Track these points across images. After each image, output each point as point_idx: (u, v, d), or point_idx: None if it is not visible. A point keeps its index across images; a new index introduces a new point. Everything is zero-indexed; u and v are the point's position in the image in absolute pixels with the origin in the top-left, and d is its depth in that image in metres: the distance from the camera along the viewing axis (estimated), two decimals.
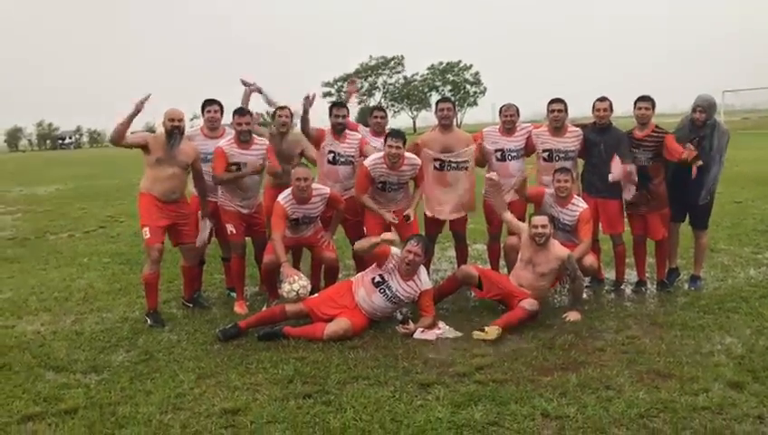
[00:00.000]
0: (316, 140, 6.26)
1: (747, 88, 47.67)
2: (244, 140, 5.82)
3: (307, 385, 4.20)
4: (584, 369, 4.31)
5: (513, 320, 5.11)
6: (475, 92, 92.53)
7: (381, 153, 5.86)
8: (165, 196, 5.63)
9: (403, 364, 4.50)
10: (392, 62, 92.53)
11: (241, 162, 5.83)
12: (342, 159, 6.23)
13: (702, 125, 5.80)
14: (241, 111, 5.91)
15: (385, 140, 5.82)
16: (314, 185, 5.73)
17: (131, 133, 5.63)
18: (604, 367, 4.33)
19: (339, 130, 6.25)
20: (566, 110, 6.11)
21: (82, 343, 5.16)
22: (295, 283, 5.30)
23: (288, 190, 5.69)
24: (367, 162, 5.87)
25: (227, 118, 6.24)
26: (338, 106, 6.34)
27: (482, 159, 6.35)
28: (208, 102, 6.21)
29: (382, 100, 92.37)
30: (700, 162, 5.66)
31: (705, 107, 5.80)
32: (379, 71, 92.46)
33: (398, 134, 5.77)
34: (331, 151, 6.24)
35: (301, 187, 5.58)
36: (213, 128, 6.23)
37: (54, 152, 70.36)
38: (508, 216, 5.88)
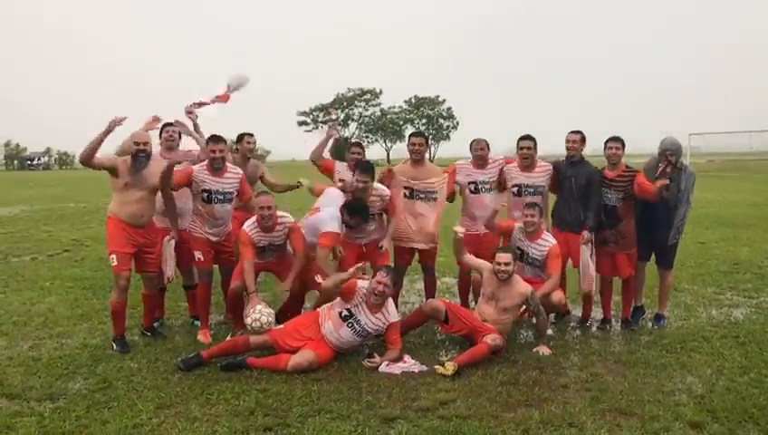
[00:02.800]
0: (325, 169, 6.44)
1: (713, 132, 48.97)
2: (217, 167, 5.77)
3: (268, 418, 4.13)
4: (547, 406, 4.31)
5: (477, 356, 5.10)
6: (448, 126, 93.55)
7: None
8: (134, 219, 5.56)
9: (367, 398, 4.45)
10: (368, 95, 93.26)
11: (212, 190, 5.79)
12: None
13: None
14: (216, 139, 5.82)
15: (353, 172, 5.88)
16: (279, 213, 5.71)
17: (101, 155, 5.58)
18: (567, 404, 4.34)
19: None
20: (535, 147, 6.21)
21: (39, 370, 5.02)
22: (260, 313, 5.24)
23: (253, 219, 5.66)
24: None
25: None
26: (356, 144, 6.55)
27: (451, 194, 6.42)
28: (167, 124, 6.33)
29: (357, 131, 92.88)
30: (666, 181, 5.81)
31: (674, 150, 5.95)
32: (356, 102, 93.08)
33: (366, 169, 5.86)
34: (341, 180, 6.30)
35: (265, 215, 5.56)
36: (169, 148, 6.30)
37: (22, 173, 69.13)
38: (467, 259, 5.91)
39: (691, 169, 6.12)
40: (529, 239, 5.88)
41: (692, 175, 6.04)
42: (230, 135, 6.26)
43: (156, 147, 6.21)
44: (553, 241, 5.87)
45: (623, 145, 6.10)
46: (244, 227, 5.67)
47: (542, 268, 5.87)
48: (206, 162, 5.84)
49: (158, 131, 6.36)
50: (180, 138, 6.38)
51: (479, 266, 5.77)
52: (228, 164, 5.92)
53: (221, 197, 5.82)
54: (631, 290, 6.30)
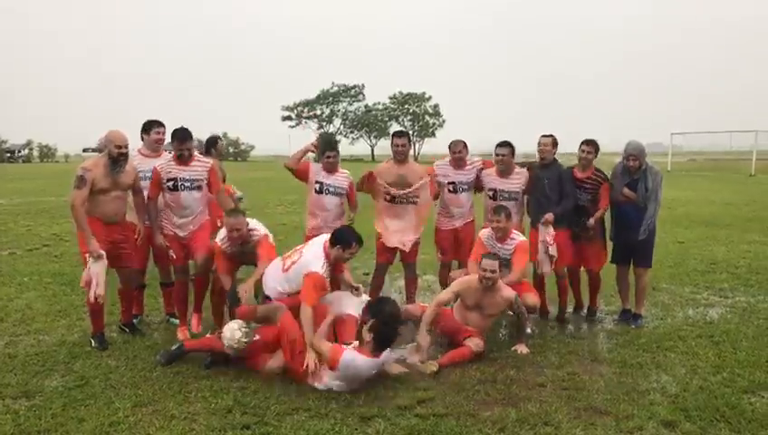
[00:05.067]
0: (300, 172, 6.27)
1: (694, 131, 49.60)
2: (182, 161, 5.78)
3: (246, 416, 4.13)
4: (524, 404, 4.36)
5: (457, 358, 5.15)
6: (434, 124, 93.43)
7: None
8: (108, 219, 5.51)
9: (345, 396, 4.47)
10: (353, 91, 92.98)
11: (178, 177, 5.76)
12: (331, 190, 6.23)
13: (636, 171, 6.15)
14: (181, 139, 5.73)
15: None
16: (251, 226, 5.62)
17: (88, 153, 5.52)
18: (544, 403, 4.39)
19: (329, 168, 6.24)
20: (512, 154, 6.38)
21: (15, 367, 4.99)
22: (238, 332, 4.96)
23: (224, 231, 5.59)
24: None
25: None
26: (329, 148, 6.35)
27: (435, 195, 6.55)
28: (156, 124, 6.20)
29: (341, 126, 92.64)
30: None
31: (637, 154, 6.18)
32: (340, 98, 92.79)
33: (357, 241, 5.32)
34: (318, 182, 6.22)
35: (233, 237, 5.48)
36: (156, 149, 6.21)
37: (2, 166, 68.15)
38: (453, 275, 5.79)
39: (657, 168, 6.30)
40: (499, 242, 5.94)
41: (658, 174, 6.24)
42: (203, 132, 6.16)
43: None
44: (522, 238, 5.98)
45: (596, 149, 6.33)
46: (217, 239, 5.65)
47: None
48: (171, 155, 5.85)
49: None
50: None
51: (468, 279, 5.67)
52: (197, 155, 5.95)
53: (188, 184, 5.78)
54: (598, 283, 6.50)
